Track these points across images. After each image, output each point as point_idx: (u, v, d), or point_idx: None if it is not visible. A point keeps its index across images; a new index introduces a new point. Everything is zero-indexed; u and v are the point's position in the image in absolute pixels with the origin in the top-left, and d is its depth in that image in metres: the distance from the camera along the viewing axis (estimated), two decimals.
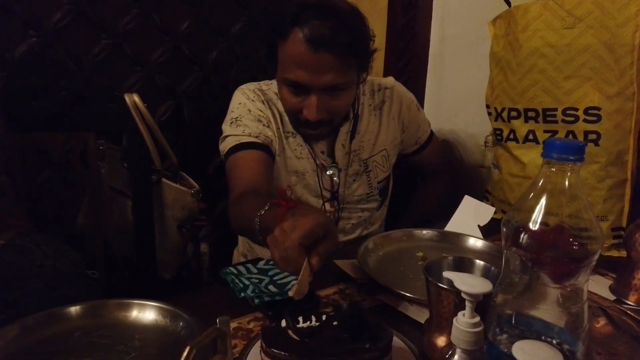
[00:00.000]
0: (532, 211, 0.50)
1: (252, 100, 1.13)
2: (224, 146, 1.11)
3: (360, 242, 1.00)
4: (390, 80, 1.27)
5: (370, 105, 1.22)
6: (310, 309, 0.78)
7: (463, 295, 0.51)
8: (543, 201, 0.50)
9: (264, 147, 1.09)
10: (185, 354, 0.35)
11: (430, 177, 1.43)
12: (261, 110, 1.12)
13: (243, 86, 1.18)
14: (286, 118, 1.14)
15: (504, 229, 0.53)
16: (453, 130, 1.57)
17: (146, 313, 0.71)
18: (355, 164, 1.19)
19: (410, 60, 1.66)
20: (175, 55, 1.56)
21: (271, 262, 0.91)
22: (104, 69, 1.47)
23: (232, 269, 0.87)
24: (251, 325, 0.74)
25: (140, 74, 1.53)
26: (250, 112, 1.12)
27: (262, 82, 1.21)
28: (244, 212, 0.90)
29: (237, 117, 1.12)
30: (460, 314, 0.52)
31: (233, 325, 0.74)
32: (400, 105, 1.24)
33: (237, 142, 1.08)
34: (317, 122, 1.04)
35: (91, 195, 1.39)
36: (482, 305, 0.53)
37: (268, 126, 1.11)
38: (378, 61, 1.72)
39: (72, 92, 1.35)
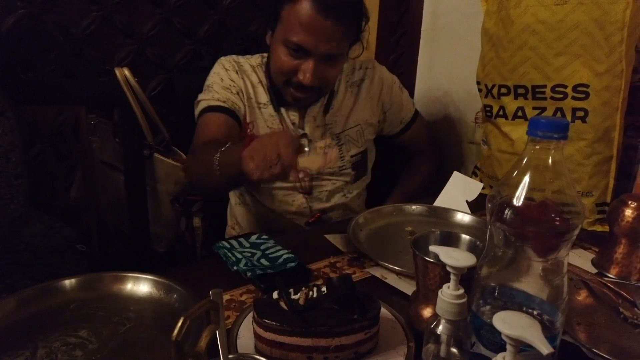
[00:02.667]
0: (517, 187, 0.52)
1: (227, 70, 1.18)
2: (197, 111, 1.18)
3: (339, 210, 1.11)
4: (373, 61, 1.31)
5: (348, 81, 1.25)
6: (301, 281, 0.80)
7: (448, 268, 0.53)
8: (527, 178, 0.51)
9: (230, 112, 1.13)
10: (179, 324, 0.36)
11: (416, 156, 1.45)
12: (232, 80, 1.17)
13: (223, 58, 1.23)
14: (259, 89, 1.19)
15: (489, 205, 0.54)
16: (445, 106, 1.58)
17: (141, 285, 0.73)
18: (327, 137, 1.22)
19: (402, 36, 1.66)
20: (166, 27, 1.54)
21: (264, 237, 0.92)
22: (94, 41, 1.44)
23: (224, 242, 0.89)
24: (244, 297, 0.76)
25: (130, 47, 1.50)
26: (222, 80, 1.17)
27: (246, 56, 1.25)
28: (202, 155, 0.97)
29: (209, 85, 1.18)
30: (445, 286, 0.54)
31: (226, 297, 0.76)
32: (381, 86, 1.27)
33: (206, 106, 1.14)
34: (309, 87, 1.08)
35: (83, 170, 1.40)
36: (467, 278, 0.55)
37: (237, 94, 1.16)
38: (371, 36, 1.71)
39: (61, 65, 1.34)
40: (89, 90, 1.36)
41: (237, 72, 1.19)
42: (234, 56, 1.24)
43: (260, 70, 1.22)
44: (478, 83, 1.20)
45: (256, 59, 1.24)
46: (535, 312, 0.56)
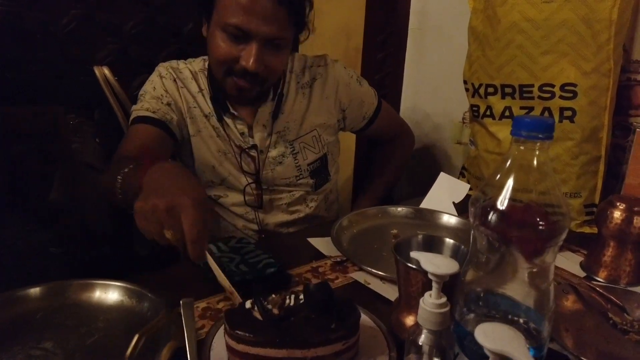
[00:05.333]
0: (501, 189, 0.49)
1: (162, 78, 1.10)
2: (130, 120, 1.09)
3: (305, 223, 1.03)
4: (325, 57, 1.21)
5: (299, 82, 1.16)
6: (281, 287, 0.77)
7: (429, 275, 0.50)
8: (511, 179, 0.49)
9: (160, 123, 1.04)
10: (133, 342, 0.33)
11: (387, 144, 1.38)
12: (166, 90, 1.09)
13: (163, 63, 1.15)
14: (200, 98, 1.11)
15: (472, 208, 0.52)
16: (432, 106, 1.56)
17: (110, 293, 0.70)
18: (280, 145, 1.13)
19: (389, 35, 1.63)
20: (150, 26, 1.51)
21: (244, 240, 0.89)
22: (75, 39, 1.40)
23: None
24: (220, 305, 0.73)
25: (113, 46, 1.47)
26: (154, 89, 1.09)
27: (188, 60, 1.17)
28: (109, 173, 0.86)
29: (142, 94, 1.10)
30: (427, 294, 0.51)
31: (202, 305, 0.73)
32: (336, 85, 1.19)
33: (135, 116, 1.06)
34: (253, 75, 0.99)
35: (63, 171, 1.36)
36: (450, 285, 0.52)
37: (168, 105, 1.07)
38: (357, 36, 1.69)
39: (41, 64, 1.30)
40: (69, 89, 1.33)
41: (174, 81, 1.10)
42: (174, 62, 1.16)
43: (203, 75, 1.13)
44: (465, 82, 1.18)
45: (198, 63, 1.15)
46: (521, 320, 0.53)
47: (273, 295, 0.60)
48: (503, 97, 1.07)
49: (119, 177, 0.80)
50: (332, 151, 1.22)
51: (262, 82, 1.03)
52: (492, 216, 0.50)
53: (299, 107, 1.15)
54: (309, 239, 0.93)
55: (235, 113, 1.09)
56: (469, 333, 0.52)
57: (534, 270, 0.50)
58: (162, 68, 1.13)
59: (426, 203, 1.07)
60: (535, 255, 0.51)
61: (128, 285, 0.70)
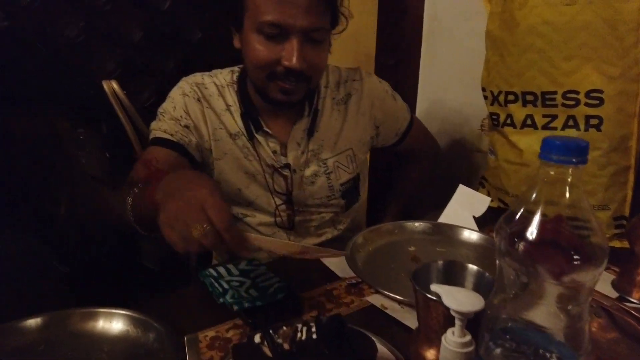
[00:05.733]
0: (529, 217, 0.45)
1: (185, 96, 1.04)
2: (149, 139, 1.04)
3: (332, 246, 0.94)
4: (360, 71, 1.16)
5: (334, 98, 1.11)
6: (292, 314, 0.73)
7: (452, 312, 0.46)
8: (540, 206, 0.44)
9: (177, 147, 0.99)
10: None
11: (412, 160, 1.33)
12: (187, 112, 1.02)
13: (187, 77, 1.09)
14: (228, 117, 1.05)
15: (497, 237, 0.47)
16: (448, 113, 1.51)
17: (114, 322, 0.67)
18: (313, 164, 1.08)
19: (402, 40, 1.59)
20: (157, 36, 1.49)
21: (254, 262, 0.86)
22: (81, 52, 1.39)
23: (211, 270, 0.83)
24: (230, 334, 0.70)
25: (119, 57, 1.45)
26: (174, 109, 1.02)
27: (213, 71, 1.11)
28: (121, 197, 0.84)
29: (162, 112, 1.04)
30: (449, 331, 0.48)
31: (211, 334, 0.70)
32: (372, 100, 1.13)
33: (152, 137, 1.01)
34: (297, 74, 0.93)
35: (71, 186, 1.34)
36: (475, 319, 0.48)
37: (186, 127, 1.01)
38: (368, 41, 1.64)
39: (45, 76, 1.29)
40: (75, 103, 1.31)
41: (198, 101, 1.04)
42: (199, 75, 1.08)
43: (231, 90, 1.06)
44: (483, 89, 1.13)
45: (225, 76, 1.08)
46: (554, 356, 0.49)
47: (284, 328, 0.57)
48: (524, 105, 1.02)
49: (129, 198, 0.78)
50: (363, 170, 1.18)
51: (308, 81, 0.97)
52: (520, 247, 0.45)
53: (334, 125, 1.10)
54: (322, 259, 0.89)
55: (269, 131, 1.04)
56: None
57: (569, 308, 0.45)
58: (185, 85, 1.06)
59: (445, 217, 1.03)
60: (570, 290, 0.47)
61: (133, 314, 0.67)
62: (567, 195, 0.43)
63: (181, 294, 0.84)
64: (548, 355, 0.49)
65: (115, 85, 1.33)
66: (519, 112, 1.03)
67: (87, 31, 1.38)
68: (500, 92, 1.06)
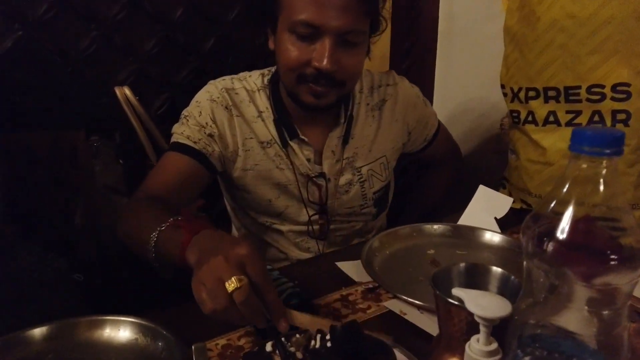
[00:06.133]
0: (559, 215, 0.41)
1: (213, 101, 0.98)
2: (170, 142, 1.00)
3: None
4: (393, 75, 1.12)
5: (368, 104, 1.07)
6: None
7: (476, 318, 0.43)
8: (571, 203, 0.41)
9: (199, 156, 0.95)
10: None
11: (436, 167, 1.30)
12: (213, 120, 0.97)
13: (215, 81, 1.03)
14: (260, 124, 1.00)
15: (524, 237, 0.44)
16: (466, 113, 1.47)
17: (122, 330, 0.65)
18: (348, 172, 1.05)
19: (417, 41, 1.56)
20: (169, 45, 1.48)
21: (267, 267, 0.83)
22: (94, 62, 1.39)
23: None
24: (242, 342, 0.67)
25: (132, 66, 1.45)
26: (200, 114, 0.97)
27: (241, 74, 1.06)
28: (139, 221, 0.80)
29: (186, 115, 0.99)
30: (473, 339, 0.44)
31: (221, 342, 0.67)
32: (406, 106, 1.10)
33: (174, 141, 0.97)
34: (328, 77, 0.89)
35: (85, 195, 1.34)
36: (501, 326, 0.45)
37: (210, 136, 0.96)
38: (384, 42, 1.62)
39: (59, 87, 1.28)
40: (88, 112, 1.31)
41: (226, 109, 0.98)
42: (228, 80, 1.03)
43: (263, 94, 1.02)
44: (502, 87, 1.09)
45: (256, 79, 1.03)
46: None
47: (297, 336, 0.54)
48: (546, 101, 0.98)
49: (153, 234, 0.73)
50: (391, 177, 1.15)
51: (340, 86, 0.93)
52: (549, 247, 0.42)
53: (368, 132, 1.07)
54: (338, 263, 0.86)
55: (305, 138, 1.00)
56: None
57: (604, 313, 0.42)
58: (214, 89, 1.00)
59: (465, 219, 0.99)
60: (604, 294, 0.43)
61: (141, 322, 0.65)
62: (601, 191, 0.39)
63: (192, 303, 0.82)
64: None
65: (127, 91, 1.32)
66: (540, 108, 1.00)
67: (99, 41, 1.38)
68: (520, 89, 1.03)
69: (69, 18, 1.34)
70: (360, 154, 1.06)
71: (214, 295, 0.56)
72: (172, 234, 0.71)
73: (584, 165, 0.40)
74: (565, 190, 0.42)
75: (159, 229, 0.72)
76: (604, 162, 0.39)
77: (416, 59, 1.55)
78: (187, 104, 1.41)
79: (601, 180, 0.39)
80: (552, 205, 0.42)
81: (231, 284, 0.56)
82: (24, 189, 1.21)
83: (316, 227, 1.05)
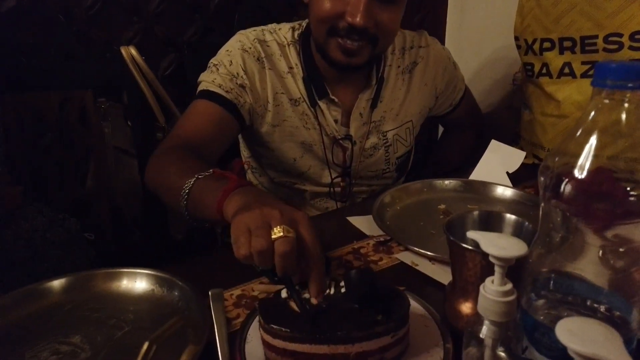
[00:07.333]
0: (578, 155, 0.40)
1: (245, 51, 0.94)
2: (197, 91, 0.96)
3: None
4: (425, 36, 1.08)
5: (399, 67, 1.03)
6: None
7: (491, 259, 0.42)
8: (592, 141, 0.40)
9: (230, 105, 0.92)
10: (143, 350, 0.28)
11: (456, 129, 1.27)
12: (245, 70, 0.93)
13: (246, 31, 0.98)
14: (290, 80, 0.97)
15: (542, 178, 0.43)
16: (478, 69, 1.44)
17: (138, 282, 0.65)
18: (374, 136, 1.03)
19: None
20: (175, 3, 1.45)
21: None
22: (99, 21, 1.37)
23: None
24: (256, 292, 0.68)
25: (137, 26, 1.43)
26: (231, 64, 0.93)
27: (270, 26, 1.01)
28: (171, 169, 0.77)
29: (216, 63, 0.95)
30: (488, 280, 0.44)
31: (236, 292, 0.68)
32: (436, 69, 1.07)
33: (204, 89, 0.93)
34: (361, 32, 0.85)
35: (96, 157, 1.34)
36: (515, 268, 0.45)
37: (242, 87, 0.93)
38: None
39: (65, 47, 1.27)
40: (94, 72, 1.30)
41: (258, 60, 0.95)
42: (259, 31, 0.98)
43: (293, 49, 0.97)
44: (516, 39, 1.06)
45: (286, 33, 0.98)
46: (602, 308, 0.45)
47: None
48: (561, 52, 0.96)
49: (189, 181, 0.70)
50: (414, 142, 1.13)
51: (374, 43, 0.88)
52: (567, 187, 0.41)
53: (397, 95, 1.04)
54: (349, 218, 0.86)
55: (335, 98, 0.97)
56: (540, 324, 0.44)
57: (620, 250, 0.41)
58: (245, 39, 0.96)
59: (477, 174, 0.98)
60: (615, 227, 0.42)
61: (157, 273, 0.65)
62: (625, 126, 0.38)
63: (206, 257, 0.83)
64: (597, 306, 0.45)
65: (133, 50, 1.31)
66: (555, 60, 0.97)
67: (104, 0, 1.36)
68: (535, 40, 1.00)
69: None
70: (387, 117, 1.03)
71: (255, 236, 0.52)
72: (212, 183, 0.68)
73: (606, 101, 0.38)
74: (585, 126, 0.41)
75: (197, 176, 0.70)
76: (628, 95, 0.37)
77: (428, 13, 1.51)
78: (193, 64, 1.40)
79: (624, 114, 0.38)
80: (572, 143, 0.41)
81: (278, 232, 0.52)
82: (34, 151, 1.21)
83: (338, 189, 1.04)
